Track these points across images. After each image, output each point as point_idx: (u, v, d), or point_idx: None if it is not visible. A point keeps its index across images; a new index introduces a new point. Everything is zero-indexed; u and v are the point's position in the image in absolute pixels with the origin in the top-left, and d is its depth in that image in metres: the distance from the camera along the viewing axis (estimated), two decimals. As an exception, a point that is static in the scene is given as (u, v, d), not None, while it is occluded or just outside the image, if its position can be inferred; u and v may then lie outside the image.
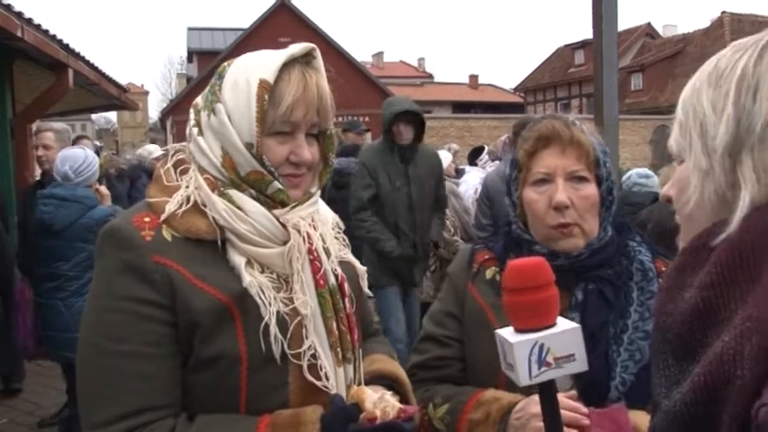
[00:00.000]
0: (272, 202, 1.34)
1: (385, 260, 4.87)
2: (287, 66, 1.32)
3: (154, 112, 65.33)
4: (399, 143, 4.89)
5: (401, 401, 1.34)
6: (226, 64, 1.39)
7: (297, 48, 1.35)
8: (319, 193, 1.45)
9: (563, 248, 1.58)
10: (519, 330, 1.13)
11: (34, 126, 6.82)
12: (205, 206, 1.30)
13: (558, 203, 1.54)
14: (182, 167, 1.37)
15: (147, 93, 71.44)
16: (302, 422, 1.24)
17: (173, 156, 1.40)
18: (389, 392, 1.36)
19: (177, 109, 30.29)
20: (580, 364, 1.10)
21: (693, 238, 0.81)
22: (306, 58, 1.36)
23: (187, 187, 1.32)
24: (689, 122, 0.86)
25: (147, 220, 1.30)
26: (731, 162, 0.79)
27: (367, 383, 1.39)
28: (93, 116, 54.70)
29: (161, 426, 1.23)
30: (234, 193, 1.31)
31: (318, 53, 1.37)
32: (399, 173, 4.90)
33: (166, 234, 1.28)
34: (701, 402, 0.68)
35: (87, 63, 7.85)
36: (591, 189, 1.58)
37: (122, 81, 10.87)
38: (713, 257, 0.74)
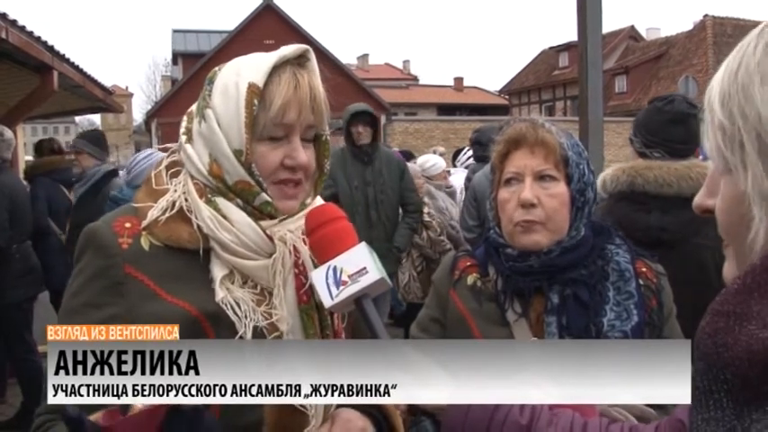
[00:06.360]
0: (260, 213, 1.29)
1: None
2: (278, 68, 1.27)
3: (138, 115, 64.95)
4: (359, 143, 5.27)
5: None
6: (217, 69, 1.34)
7: (288, 49, 1.29)
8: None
9: (524, 245, 1.61)
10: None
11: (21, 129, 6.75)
12: (190, 212, 1.26)
13: (524, 200, 1.59)
14: (174, 170, 1.33)
15: (131, 95, 70.92)
16: None
17: (168, 156, 1.36)
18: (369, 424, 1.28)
19: (162, 111, 30.05)
20: (373, 275, 1.16)
21: (764, 258, 0.67)
22: (299, 60, 1.31)
23: (175, 191, 1.29)
24: (739, 132, 0.70)
25: (128, 225, 1.27)
26: None
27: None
28: (77, 118, 54.24)
29: None
30: (221, 201, 1.27)
31: (312, 54, 1.32)
32: (358, 174, 5.28)
33: (144, 243, 1.25)
34: None
35: (72, 65, 7.78)
36: (559, 188, 1.61)
37: (106, 83, 10.77)
38: None
